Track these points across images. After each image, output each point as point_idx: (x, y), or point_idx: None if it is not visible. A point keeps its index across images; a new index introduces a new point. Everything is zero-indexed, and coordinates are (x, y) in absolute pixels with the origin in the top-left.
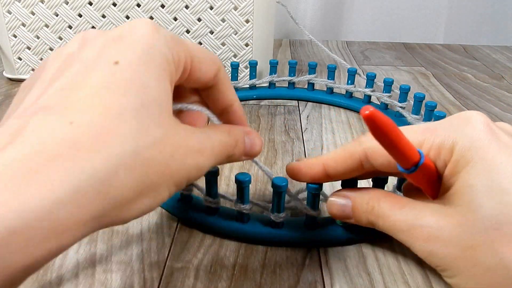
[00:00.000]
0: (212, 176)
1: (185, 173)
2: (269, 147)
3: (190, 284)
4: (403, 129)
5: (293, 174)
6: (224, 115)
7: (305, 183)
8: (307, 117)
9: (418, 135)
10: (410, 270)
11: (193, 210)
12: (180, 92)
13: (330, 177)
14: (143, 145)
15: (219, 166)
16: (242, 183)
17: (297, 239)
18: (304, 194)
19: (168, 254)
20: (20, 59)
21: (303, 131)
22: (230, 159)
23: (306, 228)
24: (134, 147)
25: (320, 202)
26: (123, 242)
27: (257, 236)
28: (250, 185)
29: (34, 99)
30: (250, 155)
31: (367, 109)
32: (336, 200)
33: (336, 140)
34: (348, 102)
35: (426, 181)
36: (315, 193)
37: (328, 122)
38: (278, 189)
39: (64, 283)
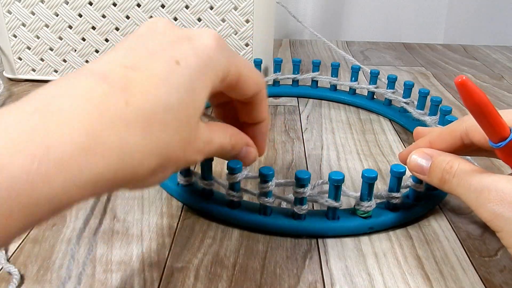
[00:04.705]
0: (234, 171)
1: (183, 164)
2: (269, 147)
3: (190, 284)
4: (504, 111)
5: (405, 160)
6: (251, 127)
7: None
8: (307, 117)
9: None
10: (410, 270)
11: (216, 204)
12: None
13: None
14: (173, 139)
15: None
16: (266, 176)
17: (320, 230)
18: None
19: (168, 254)
20: (20, 59)
21: (303, 131)
22: (223, 157)
23: (328, 219)
24: (167, 140)
25: (340, 194)
26: (123, 242)
27: (280, 228)
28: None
29: (94, 63)
30: (242, 161)
31: (460, 78)
32: (417, 158)
33: (336, 140)
34: (352, 99)
35: None
36: (337, 184)
37: (328, 122)
38: (301, 182)
39: (64, 283)
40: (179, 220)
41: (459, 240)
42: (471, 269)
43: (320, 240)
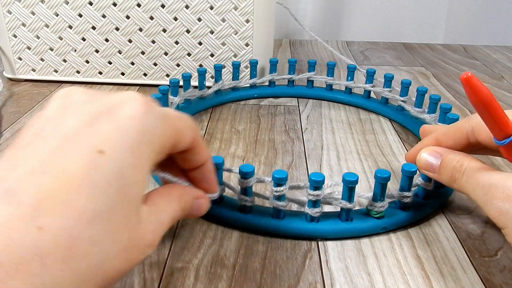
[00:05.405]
0: (246, 176)
1: (130, 269)
2: (269, 147)
3: (190, 284)
4: (509, 111)
5: (413, 159)
6: (197, 170)
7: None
8: (307, 117)
9: None
10: (410, 270)
11: (227, 209)
12: None
13: None
14: (107, 257)
15: (255, 167)
16: (280, 180)
17: (335, 232)
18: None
19: (168, 254)
20: (20, 59)
21: (303, 131)
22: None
23: (341, 221)
24: (99, 261)
25: (354, 196)
26: None
27: (295, 231)
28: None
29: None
30: (192, 217)
31: (466, 74)
32: (427, 156)
33: (336, 140)
34: (348, 98)
35: None
36: (351, 186)
37: (328, 122)
38: (316, 185)
39: None
40: (179, 220)
41: (459, 240)
42: (471, 269)
43: (320, 240)
